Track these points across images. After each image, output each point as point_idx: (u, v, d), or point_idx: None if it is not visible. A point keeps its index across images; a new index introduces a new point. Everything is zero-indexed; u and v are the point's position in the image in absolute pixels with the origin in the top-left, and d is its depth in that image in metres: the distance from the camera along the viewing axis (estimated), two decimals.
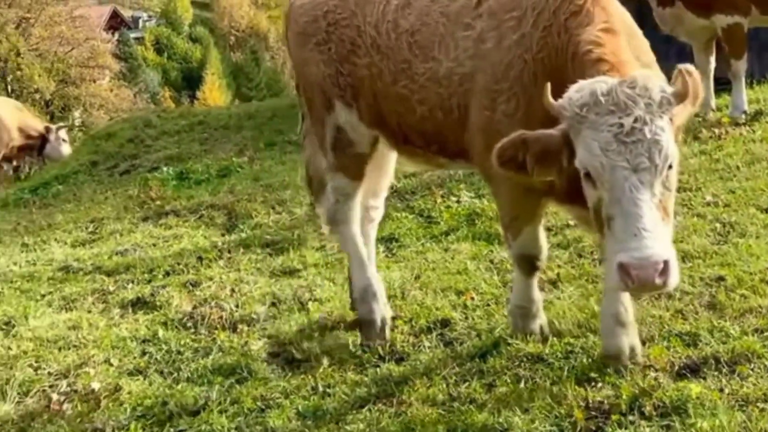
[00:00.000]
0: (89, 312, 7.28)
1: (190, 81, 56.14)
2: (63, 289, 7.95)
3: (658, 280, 3.84)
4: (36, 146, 16.90)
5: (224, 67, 58.58)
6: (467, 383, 5.14)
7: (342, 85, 5.73)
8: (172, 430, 5.19)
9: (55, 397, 5.75)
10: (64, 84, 42.50)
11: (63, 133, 17.30)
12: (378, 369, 5.40)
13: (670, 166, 3.99)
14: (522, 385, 4.99)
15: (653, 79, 4.11)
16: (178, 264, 8.08)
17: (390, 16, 5.37)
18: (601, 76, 4.17)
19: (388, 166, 6.33)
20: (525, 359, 5.29)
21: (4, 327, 7.19)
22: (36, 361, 6.40)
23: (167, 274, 7.94)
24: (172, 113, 17.26)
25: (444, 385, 5.15)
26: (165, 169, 12.06)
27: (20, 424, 5.54)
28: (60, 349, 6.57)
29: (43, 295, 7.90)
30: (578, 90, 4.10)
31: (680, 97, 4.04)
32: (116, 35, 51.23)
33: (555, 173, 4.26)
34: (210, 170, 11.67)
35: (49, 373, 6.19)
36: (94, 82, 44.40)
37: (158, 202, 10.42)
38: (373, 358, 5.62)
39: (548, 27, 4.61)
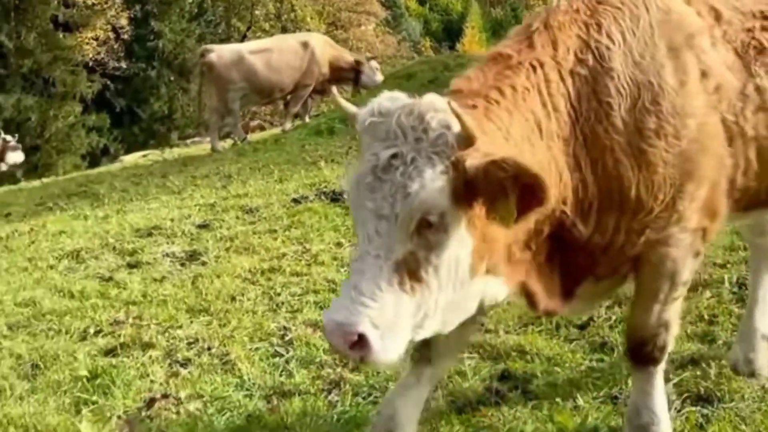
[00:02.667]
0: None
1: (450, 33, 57.05)
2: None
3: (351, 353, 3.18)
4: (346, 78, 18.06)
5: (484, 21, 59.01)
6: None
7: None
8: (562, 338, 5.64)
9: None
10: (334, 27, 44.37)
11: (375, 63, 18.42)
12: None
13: (429, 224, 3.20)
14: None
15: (441, 108, 3.27)
16: None
17: None
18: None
19: None
20: None
21: None
22: None
23: None
24: (467, 58, 17.79)
25: None
26: None
27: None
28: None
29: None
30: (376, 102, 3.41)
31: (465, 141, 3.20)
32: None
33: None
34: None
35: None
36: (360, 27, 46.03)
37: None
38: None
39: None
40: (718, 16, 3.99)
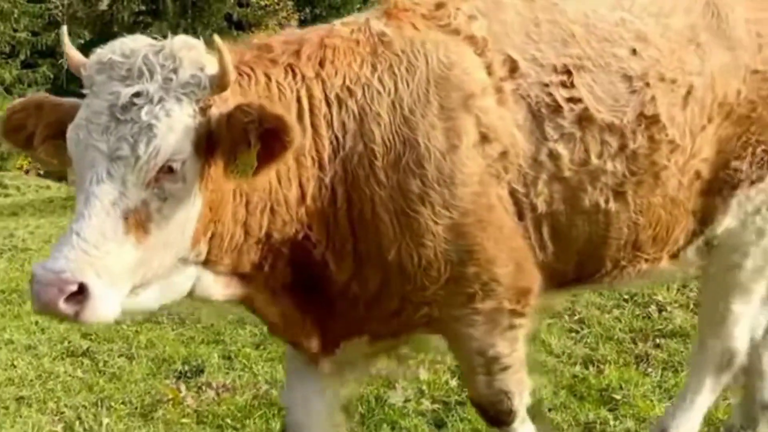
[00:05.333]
0: None
1: None
2: None
3: (63, 306, 2.84)
4: None
5: None
6: None
7: None
8: None
9: None
10: None
11: None
12: None
13: (170, 169, 2.99)
14: None
15: (200, 49, 3.13)
16: None
17: None
18: None
19: None
20: None
21: None
22: None
23: None
24: None
25: None
26: None
27: None
28: None
29: None
30: (116, 42, 3.16)
31: (219, 81, 3.05)
32: None
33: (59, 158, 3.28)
34: None
35: None
36: None
37: None
38: None
39: None
40: (513, 68, 3.57)
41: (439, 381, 5.63)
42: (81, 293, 2.84)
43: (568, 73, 3.60)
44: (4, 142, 3.30)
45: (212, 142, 3.05)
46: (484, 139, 3.43)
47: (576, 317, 6.66)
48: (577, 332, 6.43)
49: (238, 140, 3.03)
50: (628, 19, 3.77)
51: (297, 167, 3.31)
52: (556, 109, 3.56)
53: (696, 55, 3.78)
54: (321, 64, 3.42)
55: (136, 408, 5.71)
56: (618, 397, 5.26)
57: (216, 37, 3.03)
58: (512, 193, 3.51)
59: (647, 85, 3.67)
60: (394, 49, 3.48)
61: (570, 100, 3.57)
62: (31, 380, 6.31)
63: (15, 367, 6.59)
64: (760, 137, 3.89)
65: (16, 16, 36.24)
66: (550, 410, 5.16)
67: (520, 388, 3.81)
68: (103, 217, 2.88)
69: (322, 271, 3.43)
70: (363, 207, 3.36)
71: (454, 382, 5.60)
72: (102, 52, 3.09)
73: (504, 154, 3.47)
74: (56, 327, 7.45)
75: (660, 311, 6.72)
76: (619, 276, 3.93)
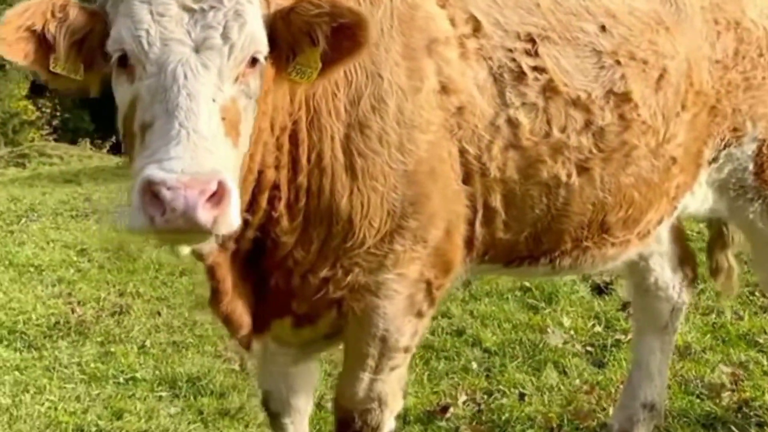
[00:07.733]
0: None
1: None
2: None
3: (202, 214, 2.44)
4: None
5: None
6: None
7: None
8: None
9: None
10: None
11: None
12: None
13: (255, 61, 2.75)
14: None
15: None
16: None
17: None
18: None
19: None
20: None
21: None
22: None
23: None
24: None
25: None
26: None
27: None
28: None
29: None
30: None
31: None
32: None
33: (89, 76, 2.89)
34: None
35: None
36: None
37: None
38: None
39: None
40: (476, 27, 3.45)
41: (585, 327, 6.04)
42: (220, 194, 2.47)
43: (533, 41, 3.51)
44: (8, 51, 2.72)
45: (270, 38, 2.80)
46: (444, 89, 3.31)
47: None
48: (695, 287, 6.78)
49: (299, 37, 2.82)
50: None
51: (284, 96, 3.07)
52: (520, 75, 3.47)
53: (667, 39, 3.77)
54: None
55: None
56: (761, 341, 5.65)
57: None
58: (462, 152, 3.38)
59: (617, 63, 3.64)
60: None
61: (535, 68, 3.49)
62: (179, 327, 6.64)
63: (160, 315, 6.93)
64: (719, 127, 4.00)
65: None
66: (703, 351, 5.56)
67: (394, 404, 3.62)
68: (208, 113, 2.57)
69: (272, 233, 3.19)
70: (322, 149, 3.14)
71: (599, 328, 6.00)
72: None
73: (461, 110, 3.34)
74: (180, 281, 7.79)
75: None
76: (582, 258, 3.85)
